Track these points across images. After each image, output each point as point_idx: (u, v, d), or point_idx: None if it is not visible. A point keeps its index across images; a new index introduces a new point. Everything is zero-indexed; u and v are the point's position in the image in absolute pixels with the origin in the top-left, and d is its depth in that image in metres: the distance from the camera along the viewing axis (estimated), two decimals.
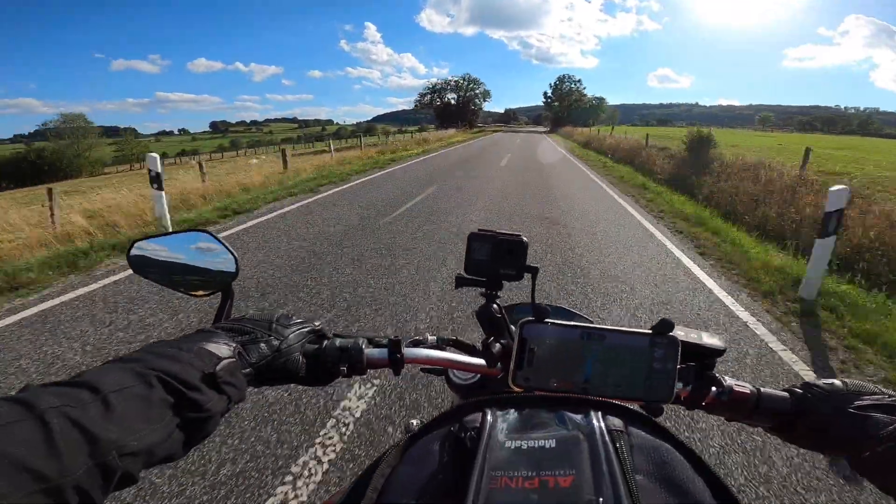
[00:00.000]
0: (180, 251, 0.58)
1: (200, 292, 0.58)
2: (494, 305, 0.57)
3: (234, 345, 0.43)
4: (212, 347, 0.40)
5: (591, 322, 0.73)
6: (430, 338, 0.61)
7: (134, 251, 0.57)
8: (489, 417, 0.41)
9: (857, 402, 0.45)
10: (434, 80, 79.17)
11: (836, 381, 0.48)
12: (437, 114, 79.55)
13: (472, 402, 0.44)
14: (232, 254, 0.56)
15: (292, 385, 0.51)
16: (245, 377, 0.42)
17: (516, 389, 0.46)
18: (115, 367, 0.34)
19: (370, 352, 0.53)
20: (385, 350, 0.53)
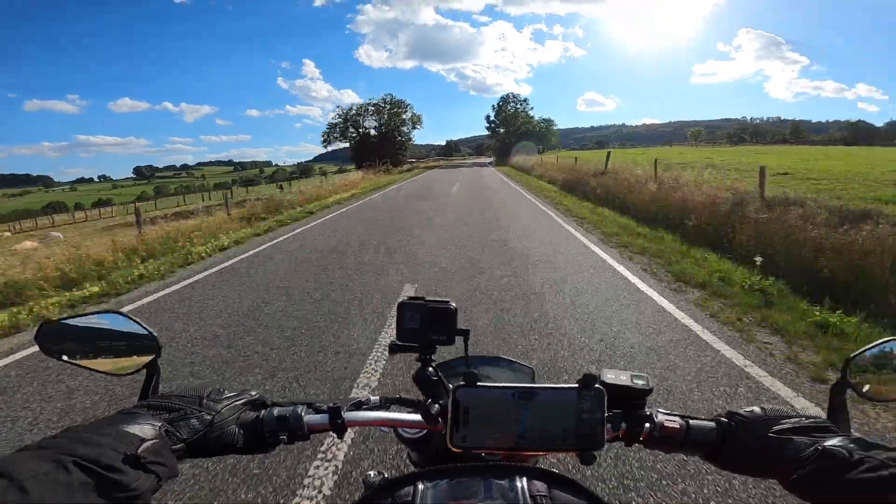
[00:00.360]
0: (95, 332, 0.57)
1: (122, 371, 0.57)
2: (430, 368, 0.60)
3: (160, 424, 0.43)
4: (133, 429, 0.40)
5: (529, 367, 0.79)
6: (372, 398, 0.63)
7: (44, 333, 0.56)
8: (420, 490, 0.44)
9: (777, 427, 0.48)
10: (348, 106, 58.05)
11: (756, 409, 0.52)
12: (354, 150, 54.51)
13: (405, 477, 0.48)
14: (151, 333, 0.56)
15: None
16: (176, 452, 0.43)
17: (454, 450, 0.49)
18: (28, 455, 0.34)
19: (310, 418, 0.55)
20: (325, 415, 0.55)
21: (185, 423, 0.46)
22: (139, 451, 0.38)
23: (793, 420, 0.49)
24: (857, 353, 0.54)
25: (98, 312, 0.57)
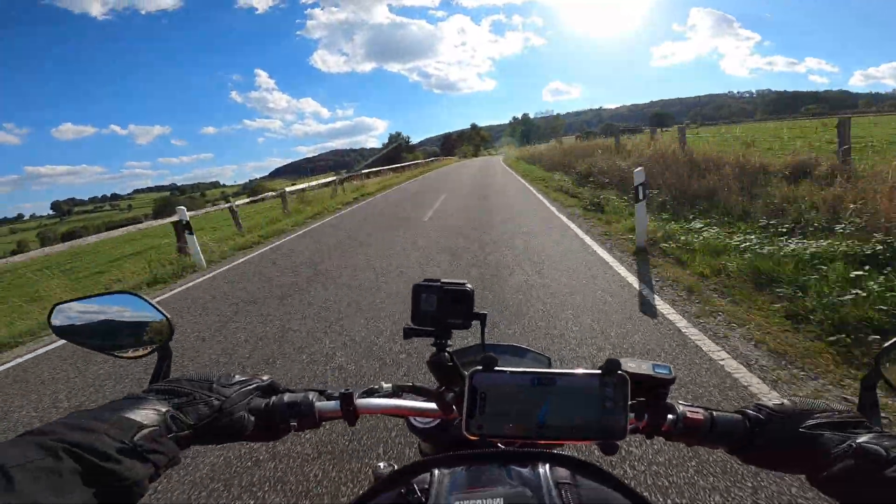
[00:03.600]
0: (107, 314, 0.61)
1: (133, 354, 0.61)
2: (445, 353, 0.61)
3: (166, 409, 0.46)
4: (134, 415, 0.43)
5: (545, 356, 0.84)
6: (385, 386, 0.66)
7: (56, 314, 0.60)
8: (437, 477, 0.46)
9: (808, 422, 0.50)
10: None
11: (786, 402, 0.54)
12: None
13: (421, 463, 0.50)
14: (164, 315, 0.60)
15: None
16: (182, 440, 0.46)
17: (471, 437, 0.51)
18: (21, 442, 0.36)
19: (322, 405, 0.58)
20: (337, 402, 0.59)
21: (192, 409, 0.49)
22: (135, 438, 0.40)
23: (825, 414, 0.51)
24: (888, 344, 0.54)
25: (111, 293, 0.61)
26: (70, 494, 0.34)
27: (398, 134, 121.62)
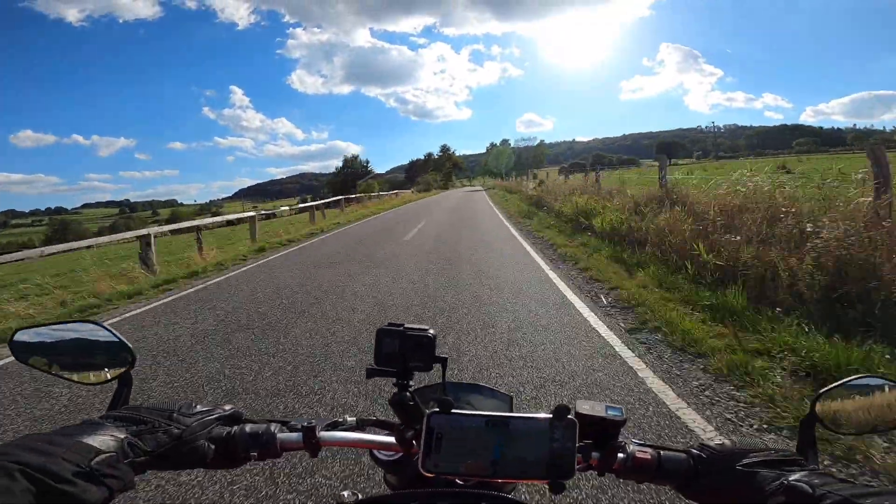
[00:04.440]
0: (69, 341, 0.64)
1: (94, 381, 0.64)
2: (406, 394, 0.65)
3: (124, 436, 0.49)
4: (91, 440, 0.45)
5: (507, 396, 0.89)
6: (349, 419, 0.69)
7: (17, 338, 0.63)
8: None
9: (746, 460, 0.54)
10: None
11: (727, 441, 0.59)
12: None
13: (375, 499, 0.55)
14: (125, 343, 0.64)
15: None
16: (138, 466, 0.48)
17: (427, 475, 0.55)
18: None
19: (284, 436, 0.62)
20: (299, 434, 0.62)
21: (151, 437, 0.51)
22: (92, 462, 0.42)
23: (762, 453, 0.55)
24: (826, 389, 0.61)
25: (73, 321, 0.64)
26: None
27: (354, 157, 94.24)
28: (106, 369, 0.64)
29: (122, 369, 0.63)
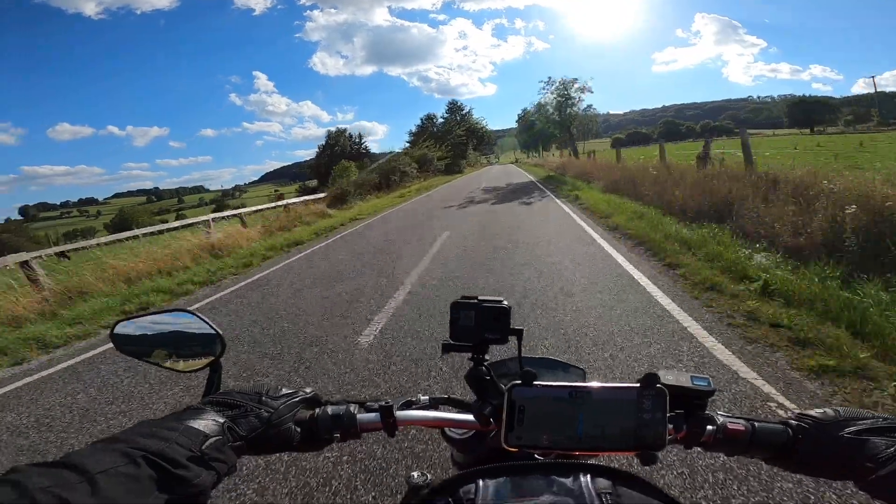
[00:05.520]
0: (164, 329, 0.68)
1: (187, 368, 0.68)
2: (482, 368, 0.67)
3: (223, 420, 0.52)
4: (199, 425, 0.49)
5: (580, 368, 0.89)
6: (422, 398, 0.71)
7: (118, 330, 0.67)
8: (481, 488, 0.51)
9: (852, 428, 0.54)
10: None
11: (829, 410, 0.58)
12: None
13: (466, 474, 0.54)
14: (216, 332, 0.67)
15: None
16: (236, 450, 0.51)
17: (510, 449, 0.55)
18: (101, 448, 0.41)
19: (363, 417, 0.64)
20: (377, 414, 0.64)
21: (245, 420, 0.54)
22: (203, 447, 0.46)
23: (868, 420, 0.54)
24: None
25: (169, 310, 0.68)
26: (146, 499, 0.39)
27: (341, 132, 62.16)
28: (198, 358, 0.68)
29: (212, 357, 0.67)
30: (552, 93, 30.64)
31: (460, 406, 0.71)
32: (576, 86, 29.84)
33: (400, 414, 0.65)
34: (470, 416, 0.65)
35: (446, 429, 0.77)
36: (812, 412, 0.58)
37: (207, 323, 0.67)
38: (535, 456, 0.62)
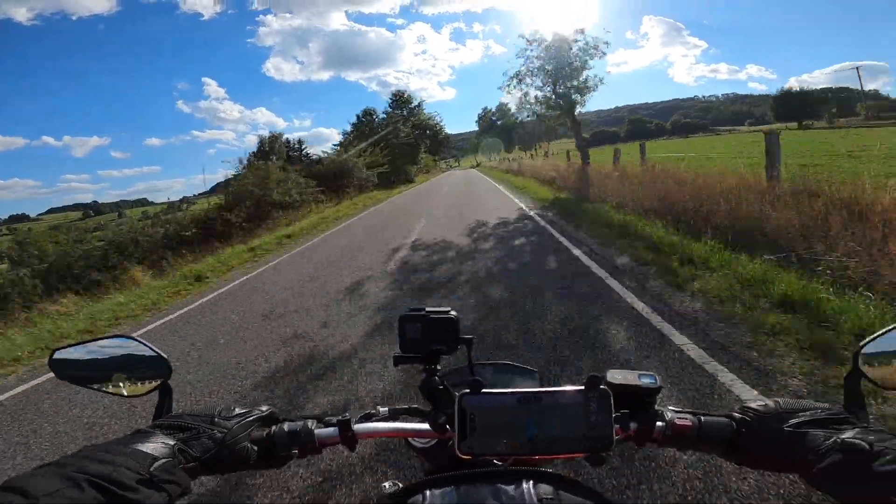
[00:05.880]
0: (105, 356, 0.68)
1: (133, 393, 0.68)
2: (435, 378, 0.69)
3: (174, 442, 0.52)
4: (147, 448, 0.49)
5: (533, 371, 0.91)
6: (381, 410, 0.73)
7: (57, 356, 0.66)
8: (429, 498, 0.53)
9: (793, 420, 0.55)
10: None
11: (770, 402, 0.59)
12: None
13: (413, 486, 0.56)
14: (161, 355, 0.68)
15: None
16: (190, 471, 0.52)
17: (463, 457, 0.57)
18: (44, 473, 0.41)
19: (321, 432, 0.65)
20: (336, 429, 0.65)
21: (197, 442, 0.55)
22: (151, 469, 0.46)
23: (809, 412, 0.55)
24: (865, 341, 0.60)
25: (108, 337, 0.68)
26: None
27: (275, 136, 41.27)
28: (144, 382, 0.68)
29: (159, 381, 0.67)
30: (537, 61, 14.72)
31: (420, 416, 0.72)
32: (579, 43, 14.21)
33: (358, 427, 0.66)
34: (427, 426, 0.66)
35: (410, 438, 0.78)
36: (754, 405, 0.60)
37: (150, 347, 0.68)
38: (495, 462, 0.64)
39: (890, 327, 0.60)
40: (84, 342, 0.68)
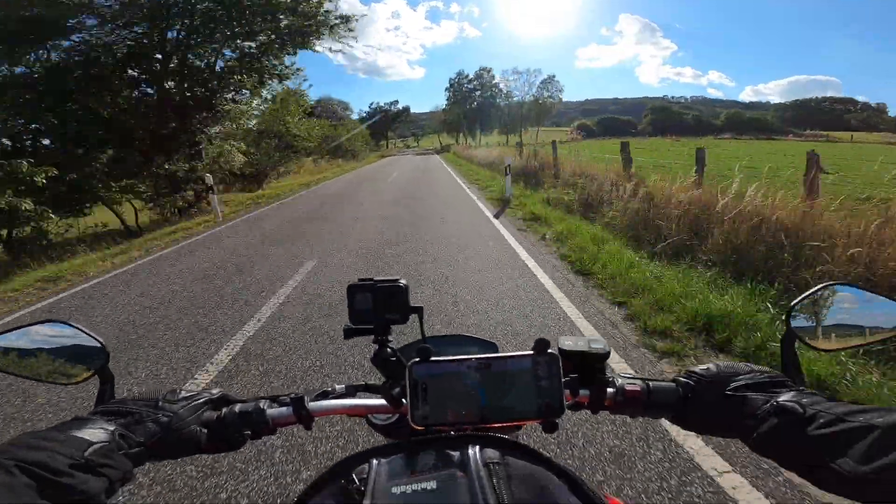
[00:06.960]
0: (39, 342, 0.66)
1: (71, 381, 0.67)
2: (387, 349, 0.70)
3: (113, 428, 0.52)
4: (84, 434, 0.49)
5: (492, 343, 0.92)
6: (337, 387, 0.72)
7: None
8: (374, 467, 0.52)
9: (733, 384, 0.57)
10: None
11: (711, 366, 0.61)
12: None
13: (358, 454, 0.56)
14: (96, 339, 0.66)
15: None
16: (134, 456, 0.52)
17: (417, 428, 0.57)
18: None
19: (273, 412, 0.64)
20: (290, 408, 0.64)
21: (140, 427, 0.55)
22: (86, 453, 0.46)
23: (748, 375, 0.58)
24: (796, 301, 0.63)
25: (41, 322, 0.65)
26: None
27: None
28: (81, 367, 0.66)
29: (98, 366, 0.65)
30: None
31: (376, 391, 0.72)
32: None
33: (313, 405, 0.66)
34: (383, 401, 0.66)
35: (370, 416, 0.78)
36: (696, 369, 0.62)
37: (85, 332, 0.66)
38: (449, 432, 0.64)
39: (817, 287, 0.62)
40: (13, 329, 0.65)
